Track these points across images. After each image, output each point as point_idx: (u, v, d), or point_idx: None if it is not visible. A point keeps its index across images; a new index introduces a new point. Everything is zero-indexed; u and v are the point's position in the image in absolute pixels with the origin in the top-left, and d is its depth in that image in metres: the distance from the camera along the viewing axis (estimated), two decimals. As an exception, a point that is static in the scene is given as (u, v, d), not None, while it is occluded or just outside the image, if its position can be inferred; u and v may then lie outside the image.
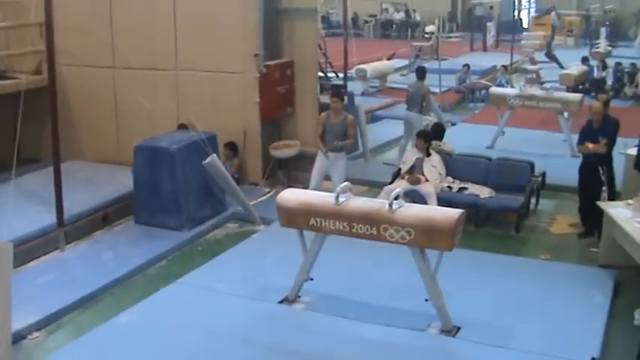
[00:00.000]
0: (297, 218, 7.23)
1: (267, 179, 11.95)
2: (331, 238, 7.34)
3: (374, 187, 11.33)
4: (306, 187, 9.58)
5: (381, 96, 20.10)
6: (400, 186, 9.39)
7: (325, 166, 10.28)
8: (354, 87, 17.59)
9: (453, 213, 6.69)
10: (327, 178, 10.38)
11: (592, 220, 9.40)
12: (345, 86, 13.77)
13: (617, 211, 8.47)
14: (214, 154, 9.90)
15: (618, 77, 21.12)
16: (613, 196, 9.51)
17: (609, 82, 21.24)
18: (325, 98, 11.59)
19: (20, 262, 8.38)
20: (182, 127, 11.45)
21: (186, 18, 11.90)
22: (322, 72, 15.59)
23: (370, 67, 20.16)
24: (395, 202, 6.79)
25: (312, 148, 10.72)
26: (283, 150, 11.97)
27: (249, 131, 11.90)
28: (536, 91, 14.93)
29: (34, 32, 11.63)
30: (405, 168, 10.66)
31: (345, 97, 12.52)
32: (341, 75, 15.46)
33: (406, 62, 25.06)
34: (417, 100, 13.07)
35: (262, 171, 11.98)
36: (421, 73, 13.55)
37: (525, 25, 39.16)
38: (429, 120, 13.74)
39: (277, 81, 11.78)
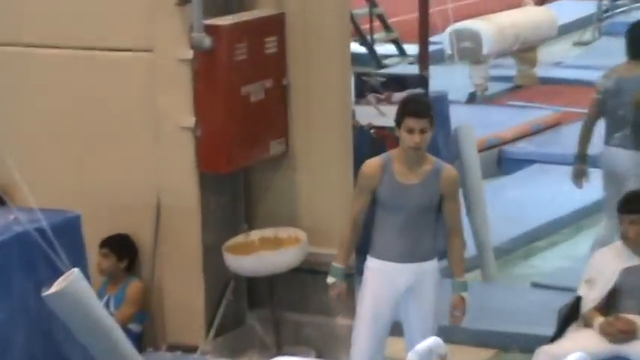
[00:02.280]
0: None
1: (219, 336, 9.38)
2: None
3: (509, 350, 9.44)
4: (320, 357, 8.74)
5: (522, 101, 16.47)
6: (583, 347, 7.62)
7: (393, 299, 8.24)
8: (449, 80, 14.21)
9: None
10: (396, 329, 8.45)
11: None
12: (424, 79, 10.54)
13: None
14: (76, 270, 7.73)
15: None
16: None
17: None
18: (369, 112, 9.75)
19: None
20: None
21: None
22: (363, 43, 15.36)
23: (492, 26, 16.27)
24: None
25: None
26: (260, 254, 9.11)
27: (169, 203, 9.40)
28: None
29: None
30: (595, 295, 8.67)
31: (429, 107, 10.27)
32: (413, 50, 13.64)
33: (592, 9, 21.27)
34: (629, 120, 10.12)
35: (205, 313, 9.32)
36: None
37: None
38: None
39: (243, 70, 9.08)
